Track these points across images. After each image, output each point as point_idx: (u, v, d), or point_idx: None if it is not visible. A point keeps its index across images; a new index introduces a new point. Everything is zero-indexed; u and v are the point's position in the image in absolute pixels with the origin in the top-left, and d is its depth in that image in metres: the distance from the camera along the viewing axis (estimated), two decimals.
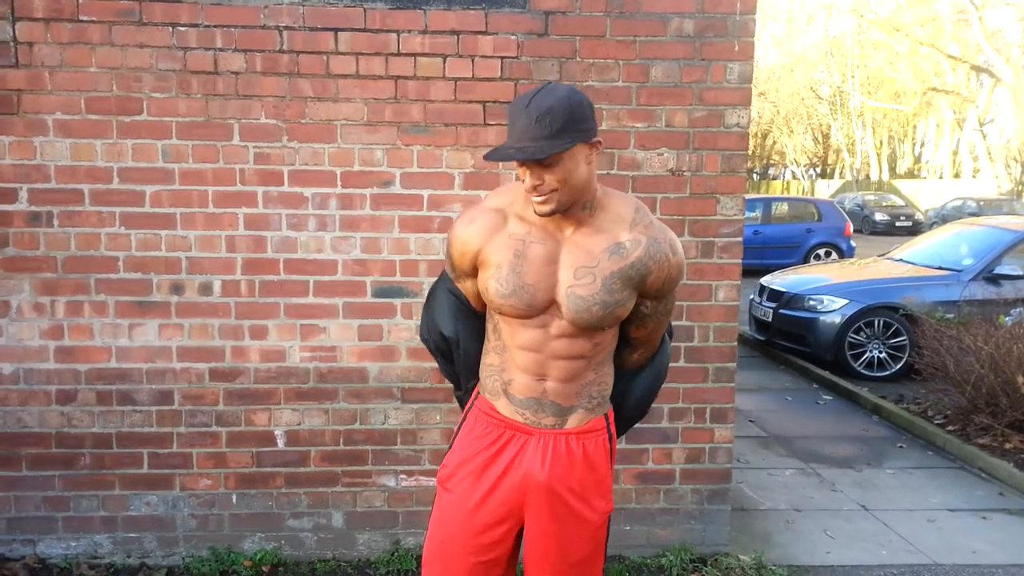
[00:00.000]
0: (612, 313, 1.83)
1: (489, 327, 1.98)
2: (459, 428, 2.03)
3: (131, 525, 3.43)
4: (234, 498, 3.45)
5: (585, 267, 1.81)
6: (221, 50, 3.20)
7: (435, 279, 2.15)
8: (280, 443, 3.44)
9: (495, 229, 1.86)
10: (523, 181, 1.76)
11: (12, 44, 3.14)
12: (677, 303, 3.43)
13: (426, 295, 2.10)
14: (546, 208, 1.76)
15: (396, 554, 3.48)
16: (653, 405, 3.53)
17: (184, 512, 3.45)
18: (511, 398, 1.93)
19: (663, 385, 2.23)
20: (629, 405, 2.07)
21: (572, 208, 1.80)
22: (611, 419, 2.01)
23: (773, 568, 3.55)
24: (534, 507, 1.92)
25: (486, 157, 1.73)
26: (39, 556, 3.40)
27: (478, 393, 2.02)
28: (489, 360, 1.98)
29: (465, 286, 1.96)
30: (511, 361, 1.92)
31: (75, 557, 3.42)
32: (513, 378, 1.92)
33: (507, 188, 1.94)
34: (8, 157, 3.20)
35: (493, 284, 1.84)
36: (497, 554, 1.96)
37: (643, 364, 2.09)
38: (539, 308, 1.84)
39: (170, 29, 3.17)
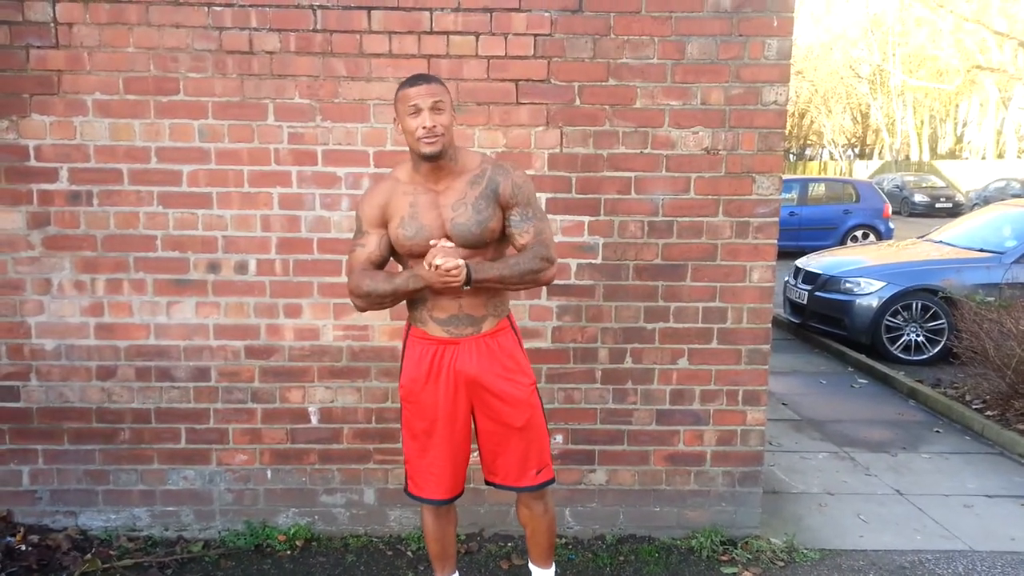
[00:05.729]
0: (486, 227, 2.44)
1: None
2: (403, 356, 2.63)
3: (169, 499, 3.51)
4: (269, 473, 3.51)
5: (458, 201, 2.45)
6: (256, 30, 3.22)
7: None
8: (314, 420, 3.48)
9: (392, 191, 2.51)
10: (415, 130, 2.35)
11: (52, 25, 3.18)
12: (709, 284, 3.42)
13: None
14: (435, 148, 2.36)
15: None
16: (684, 387, 3.53)
17: (220, 487, 3.51)
18: (436, 320, 2.52)
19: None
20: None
21: (443, 158, 2.41)
22: (511, 319, 2.65)
23: (805, 551, 3.53)
24: (475, 394, 2.55)
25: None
26: (81, 528, 3.50)
27: (409, 325, 2.62)
28: (414, 296, 2.53)
29: (370, 239, 2.52)
30: (431, 291, 2.46)
31: (115, 529, 3.51)
32: (435, 303, 2.50)
33: (395, 168, 2.60)
34: (49, 137, 3.25)
35: (400, 231, 2.46)
36: (461, 434, 2.60)
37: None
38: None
39: (205, 9, 3.19)
